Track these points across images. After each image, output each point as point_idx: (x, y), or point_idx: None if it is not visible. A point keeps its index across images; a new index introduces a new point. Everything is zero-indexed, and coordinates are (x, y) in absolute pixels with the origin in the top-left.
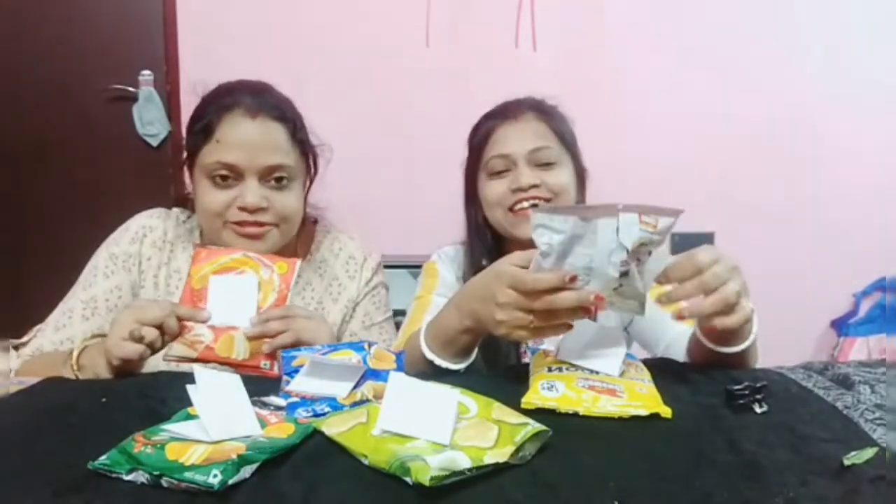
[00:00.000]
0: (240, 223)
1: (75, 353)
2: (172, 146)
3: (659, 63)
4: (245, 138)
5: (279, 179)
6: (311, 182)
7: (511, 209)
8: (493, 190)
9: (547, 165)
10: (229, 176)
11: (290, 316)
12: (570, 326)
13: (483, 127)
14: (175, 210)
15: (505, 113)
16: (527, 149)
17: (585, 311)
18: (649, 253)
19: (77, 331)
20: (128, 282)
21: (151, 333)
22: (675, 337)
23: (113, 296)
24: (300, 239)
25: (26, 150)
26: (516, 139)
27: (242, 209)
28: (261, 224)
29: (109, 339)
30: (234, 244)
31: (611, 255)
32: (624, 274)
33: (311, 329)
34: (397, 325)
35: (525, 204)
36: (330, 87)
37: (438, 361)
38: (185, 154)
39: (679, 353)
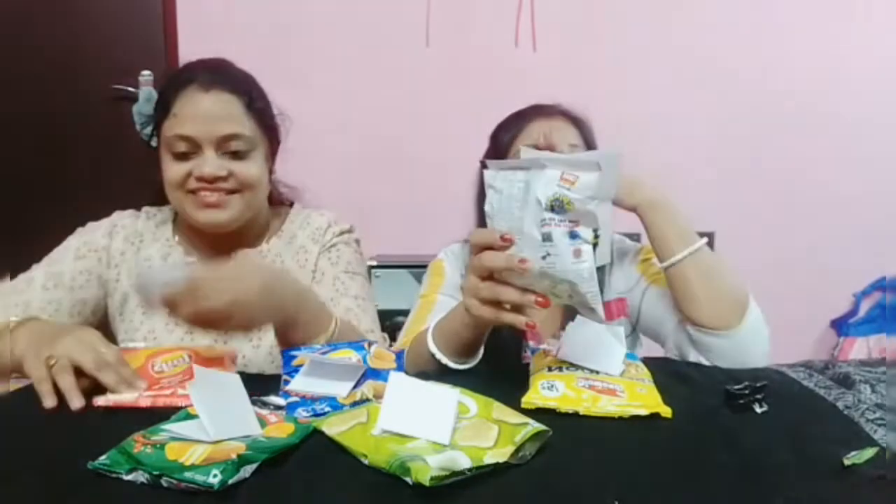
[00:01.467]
0: (198, 193)
1: (12, 325)
2: None
3: (658, 62)
4: (199, 110)
5: (237, 148)
6: (275, 153)
7: None
8: None
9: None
10: (188, 148)
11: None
12: (544, 303)
13: (514, 122)
14: (145, 209)
15: (538, 110)
16: (566, 143)
17: (539, 302)
18: (596, 234)
19: (34, 297)
20: (97, 272)
21: (64, 376)
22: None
23: (81, 277)
24: (274, 217)
25: (27, 150)
26: (555, 132)
27: (200, 179)
28: (221, 192)
29: (36, 346)
30: (195, 216)
31: (535, 215)
32: (547, 238)
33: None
34: (397, 326)
35: None
36: (330, 87)
37: (445, 361)
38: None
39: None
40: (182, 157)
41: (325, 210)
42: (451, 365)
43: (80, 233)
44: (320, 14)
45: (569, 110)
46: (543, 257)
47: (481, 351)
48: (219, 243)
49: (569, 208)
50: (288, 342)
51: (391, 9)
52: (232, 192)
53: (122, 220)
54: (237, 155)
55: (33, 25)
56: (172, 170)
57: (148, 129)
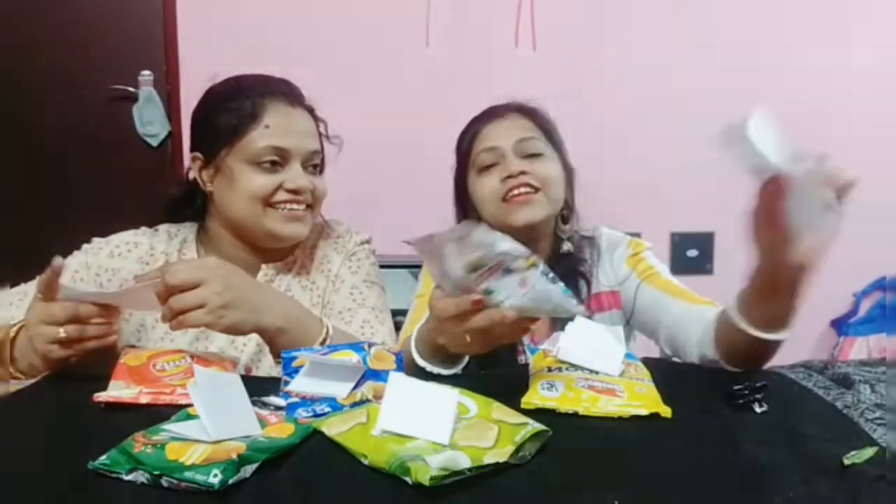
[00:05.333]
0: (282, 207)
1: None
2: (173, 146)
3: (659, 62)
4: (292, 124)
5: (315, 165)
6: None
7: (504, 199)
8: (485, 184)
9: (534, 156)
10: (277, 160)
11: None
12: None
13: (470, 129)
14: (162, 226)
15: (490, 113)
16: (513, 140)
17: (524, 329)
18: (528, 256)
19: (20, 314)
20: None
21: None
22: (675, 318)
23: None
24: None
25: (27, 150)
26: (503, 133)
27: (292, 191)
28: (302, 206)
29: (28, 323)
30: (278, 228)
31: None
32: (488, 292)
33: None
34: (397, 326)
35: (517, 192)
36: (330, 87)
37: (430, 368)
38: (197, 144)
39: (681, 334)
40: (269, 168)
41: (340, 220)
42: (439, 371)
43: (84, 251)
44: (320, 14)
45: (523, 104)
46: (502, 303)
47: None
48: (252, 254)
49: (479, 265)
50: (276, 349)
51: (391, 9)
52: (308, 206)
53: (134, 239)
54: (315, 170)
55: (33, 25)
56: (259, 181)
57: (151, 128)
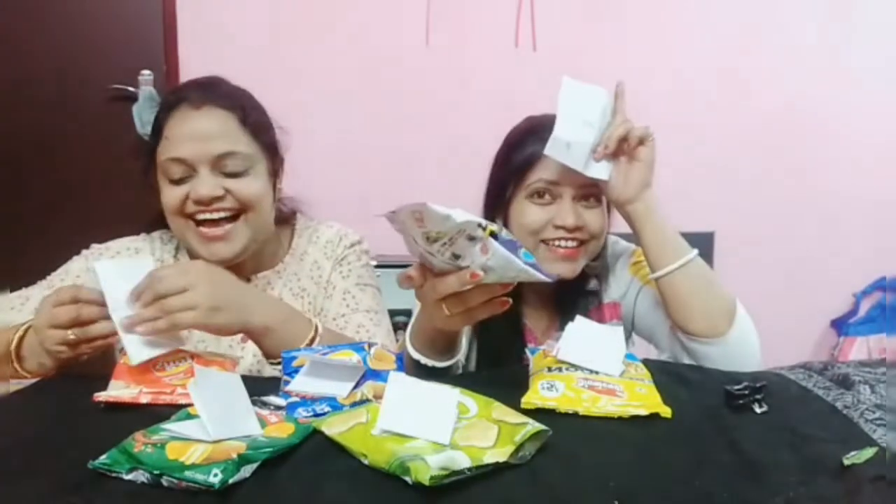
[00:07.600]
0: (201, 224)
1: (13, 344)
2: None
3: (658, 62)
4: (191, 130)
5: (234, 167)
6: (280, 168)
7: (547, 242)
8: (534, 217)
9: (592, 206)
10: (183, 171)
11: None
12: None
13: (528, 146)
14: (156, 233)
15: (543, 141)
16: (576, 184)
17: (501, 302)
18: (482, 226)
19: (23, 319)
20: None
21: (67, 313)
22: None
23: None
24: (282, 235)
25: (26, 150)
26: (568, 170)
27: (198, 202)
28: (223, 213)
29: (37, 326)
30: (199, 249)
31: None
32: (456, 256)
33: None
34: (397, 326)
35: (563, 245)
36: (330, 87)
37: (425, 360)
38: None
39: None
40: (178, 180)
41: (331, 221)
42: (434, 364)
43: (84, 256)
44: (320, 14)
45: None
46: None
47: (463, 343)
48: (236, 269)
49: (439, 237)
50: (265, 349)
51: (391, 9)
52: (234, 216)
53: (135, 244)
54: (235, 173)
55: (33, 25)
56: (169, 195)
57: (151, 128)
